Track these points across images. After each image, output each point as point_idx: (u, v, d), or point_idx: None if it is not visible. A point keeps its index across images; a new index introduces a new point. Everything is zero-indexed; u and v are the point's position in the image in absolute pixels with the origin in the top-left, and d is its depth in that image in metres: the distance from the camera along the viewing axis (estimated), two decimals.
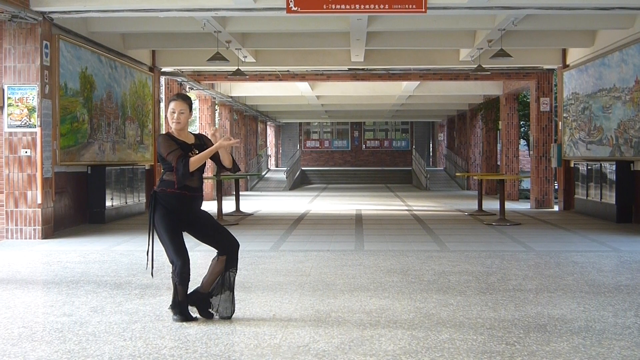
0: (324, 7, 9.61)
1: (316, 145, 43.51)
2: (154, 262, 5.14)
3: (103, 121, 12.70)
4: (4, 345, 4.38)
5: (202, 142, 5.09)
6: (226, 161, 5.10)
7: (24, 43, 10.08)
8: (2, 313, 5.31)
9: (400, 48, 15.16)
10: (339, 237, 10.46)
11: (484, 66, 14.50)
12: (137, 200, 13.99)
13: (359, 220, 13.21)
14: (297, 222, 12.92)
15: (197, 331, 4.70)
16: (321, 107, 27.48)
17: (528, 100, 23.34)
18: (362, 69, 17.15)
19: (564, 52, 15.79)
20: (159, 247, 5.04)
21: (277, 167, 40.85)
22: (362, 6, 9.64)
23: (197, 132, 5.26)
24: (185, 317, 4.96)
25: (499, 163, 23.41)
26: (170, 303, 5.03)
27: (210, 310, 5.05)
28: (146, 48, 14.77)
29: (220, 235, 5.04)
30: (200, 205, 5.11)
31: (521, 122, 23.88)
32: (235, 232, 9.83)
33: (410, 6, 9.58)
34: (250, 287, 6.33)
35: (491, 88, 21.11)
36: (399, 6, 9.61)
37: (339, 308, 5.42)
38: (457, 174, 26.14)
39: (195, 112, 22.53)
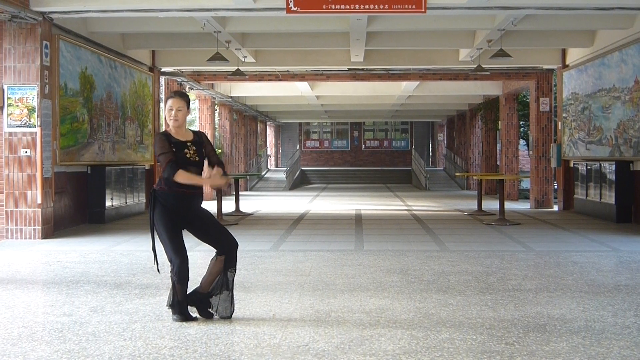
0: (324, 7, 9.62)
1: (316, 145, 43.51)
2: (157, 259, 5.12)
3: (103, 121, 12.71)
4: (4, 345, 4.38)
5: (200, 139, 5.08)
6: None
7: (24, 43, 10.08)
8: (2, 313, 5.31)
9: (399, 48, 15.17)
10: (339, 237, 10.47)
11: (483, 66, 14.50)
12: (137, 200, 14.00)
13: (358, 220, 13.21)
14: (296, 222, 12.92)
15: (197, 331, 4.70)
16: (321, 107, 27.48)
17: (528, 100, 23.35)
18: (362, 69, 17.16)
19: (564, 52, 15.80)
20: (161, 246, 5.04)
21: (276, 167, 40.86)
22: (362, 6, 9.64)
23: (197, 130, 5.24)
24: (185, 317, 4.96)
25: (498, 163, 23.42)
26: (168, 301, 5.02)
27: (210, 310, 5.05)
28: (146, 48, 14.77)
29: (220, 235, 5.03)
30: (200, 203, 5.10)
31: (521, 122, 23.89)
32: (235, 232, 9.84)
33: (410, 6, 9.58)
34: (250, 287, 6.34)
35: (491, 88, 21.11)
36: (399, 6, 9.62)
37: (338, 308, 5.43)
38: (457, 174, 26.16)
39: (195, 112, 22.56)
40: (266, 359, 4.08)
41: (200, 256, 7.63)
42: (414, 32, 13.72)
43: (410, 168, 36.56)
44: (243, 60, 15.07)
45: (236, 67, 14.80)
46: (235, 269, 5.07)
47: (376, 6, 9.64)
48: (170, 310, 5.04)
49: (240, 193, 16.84)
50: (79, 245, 9.52)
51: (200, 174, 4.97)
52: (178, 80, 16.86)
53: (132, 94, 14.27)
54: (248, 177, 27.40)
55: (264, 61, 16.09)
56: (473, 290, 6.17)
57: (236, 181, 15.84)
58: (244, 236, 10.40)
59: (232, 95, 22.46)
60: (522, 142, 28.01)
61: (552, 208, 16.88)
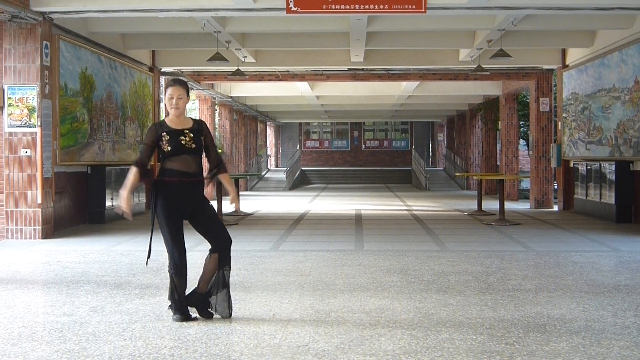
0: (324, 7, 9.62)
1: (316, 145, 43.51)
2: (150, 251, 5.12)
3: (103, 121, 12.71)
4: (4, 345, 4.38)
5: (200, 127, 5.07)
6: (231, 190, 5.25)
7: (24, 43, 10.08)
8: (2, 313, 5.31)
9: (399, 48, 15.17)
10: (339, 237, 10.47)
11: (483, 66, 14.50)
12: (137, 200, 13.99)
13: (358, 220, 13.21)
14: (296, 222, 12.93)
15: (197, 331, 4.71)
16: (321, 107, 27.48)
17: (527, 100, 23.34)
18: (362, 69, 17.16)
19: (564, 52, 15.80)
20: (158, 241, 5.05)
21: (276, 167, 40.86)
22: (362, 6, 9.65)
23: (197, 118, 5.24)
24: (185, 316, 4.96)
25: (498, 163, 23.42)
26: (168, 295, 5.03)
27: (210, 310, 5.06)
28: (146, 48, 14.77)
29: (215, 230, 5.03)
30: (202, 191, 5.08)
31: (521, 122, 23.89)
32: (235, 232, 9.84)
33: (410, 6, 9.58)
34: (250, 287, 6.34)
35: (491, 88, 21.12)
36: (399, 6, 9.62)
37: (338, 308, 5.43)
38: (457, 174, 26.17)
39: (195, 112, 22.55)
40: (266, 359, 4.08)
41: (201, 256, 7.61)
42: (414, 32, 13.72)
43: (410, 168, 36.56)
44: (243, 60, 15.07)
45: (236, 67, 14.80)
46: (230, 267, 5.06)
47: (376, 6, 9.64)
48: (170, 310, 5.04)
49: (240, 193, 16.84)
50: (79, 245, 9.52)
51: (197, 162, 4.99)
52: (183, 78, 16.83)
53: (132, 94, 14.27)
54: (248, 177, 27.41)
55: (264, 61, 16.09)
56: (473, 290, 6.17)
57: (236, 181, 15.84)
58: (244, 236, 10.40)
59: (232, 95, 22.46)
60: (522, 142, 28.01)
61: (552, 208, 16.88)
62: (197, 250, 8.31)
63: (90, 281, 6.65)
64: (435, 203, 19.03)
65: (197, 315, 5.06)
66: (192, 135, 4.98)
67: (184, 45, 14.24)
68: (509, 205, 16.39)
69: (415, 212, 15.37)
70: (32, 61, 10.08)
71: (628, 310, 5.36)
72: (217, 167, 5.16)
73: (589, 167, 13.87)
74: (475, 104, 25.77)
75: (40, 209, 10.14)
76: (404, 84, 20.40)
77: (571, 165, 15.44)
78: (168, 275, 5.02)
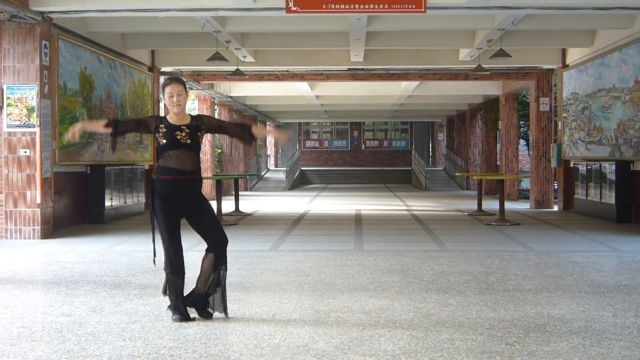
0: (324, 7, 9.61)
1: (315, 145, 43.52)
2: (155, 251, 5.13)
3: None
4: (4, 345, 4.37)
5: (197, 123, 5.06)
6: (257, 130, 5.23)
7: (23, 43, 10.07)
8: (1, 313, 5.30)
9: (399, 48, 15.16)
10: (339, 237, 10.46)
11: (483, 66, 14.49)
12: (137, 200, 13.99)
13: (358, 220, 13.20)
14: (296, 222, 12.92)
15: (197, 331, 4.70)
16: (320, 107, 27.48)
17: (528, 100, 23.34)
18: (362, 69, 17.15)
19: (564, 52, 15.80)
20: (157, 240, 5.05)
21: (276, 167, 40.87)
22: (362, 6, 9.64)
23: (195, 114, 5.24)
24: (184, 316, 4.96)
25: (498, 163, 23.42)
26: (162, 289, 5.03)
27: (209, 309, 5.05)
28: (145, 48, 14.77)
29: (212, 229, 5.02)
30: (199, 189, 5.06)
31: (521, 122, 23.88)
32: (234, 232, 9.83)
33: (410, 6, 9.57)
34: (250, 287, 6.33)
35: (491, 88, 21.11)
36: (399, 6, 9.61)
37: (338, 308, 5.42)
38: (457, 174, 26.17)
39: (195, 112, 22.54)
40: (266, 359, 4.07)
41: (200, 256, 7.59)
42: (414, 32, 13.71)
43: (410, 168, 36.57)
44: (243, 60, 15.06)
45: (236, 67, 14.79)
46: (226, 267, 5.04)
47: (376, 6, 9.63)
48: (169, 310, 5.03)
49: (239, 193, 16.83)
50: (79, 245, 9.51)
51: (192, 157, 4.96)
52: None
53: (131, 94, 14.26)
54: (248, 177, 27.40)
55: (264, 61, 16.08)
56: (473, 290, 6.16)
57: (236, 181, 15.84)
58: (244, 236, 10.39)
59: (231, 95, 22.46)
60: (522, 142, 28.00)
61: (552, 208, 16.87)
62: (197, 250, 8.29)
63: (90, 281, 6.64)
64: (435, 203, 19.02)
65: (196, 316, 5.05)
66: (188, 131, 4.97)
67: (183, 45, 14.23)
68: (509, 205, 16.38)
69: (415, 212, 15.37)
70: (31, 61, 10.07)
71: (628, 310, 5.35)
72: (244, 131, 5.18)
73: (589, 167, 13.86)
74: (475, 103, 25.76)
75: (39, 209, 10.13)
76: (403, 83, 20.39)
77: (571, 165, 15.44)
78: (164, 275, 5.02)
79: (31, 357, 4.13)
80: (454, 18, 12.07)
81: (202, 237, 5.07)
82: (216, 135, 23.05)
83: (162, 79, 16.45)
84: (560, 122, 16.27)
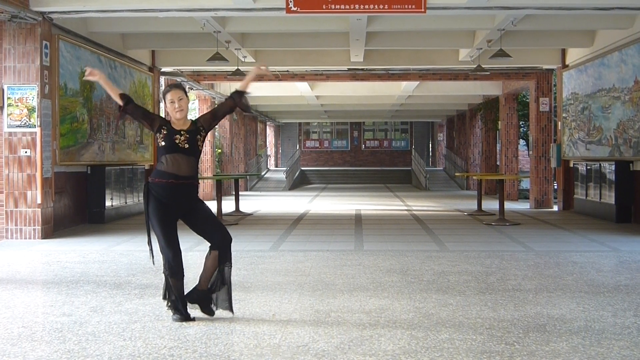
0: (324, 7, 9.62)
1: (316, 145, 43.51)
2: (153, 251, 5.14)
3: (103, 121, 12.71)
4: (4, 345, 4.38)
5: (197, 125, 5.05)
6: (243, 84, 5.26)
7: (23, 43, 10.08)
8: (1, 313, 5.31)
9: (399, 48, 15.17)
10: (339, 237, 10.46)
11: (483, 66, 14.50)
12: (137, 200, 13.98)
13: (358, 220, 13.21)
14: (296, 222, 12.92)
15: (197, 331, 4.70)
16: (321, 107, 27.48)
17: (527, 100, 23.35)
18: (362, 69, 17.16)
19: (564, 52, 15.80)
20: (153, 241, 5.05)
21: (276, 167, 40.86)
22: (362, 6, 9.64)
23: (195, 119, 5.25)
24: (184, 316, 4.96)
25: (498, 163, 23.42)
26: (162, 294, 5.03)
27: (212, 306, 5.04)
28: (146, 48, 14.77)
29: (213, 229, 5.01)
30: (194, 194, 5.04)
31: (520, 122, 23.90)
32: (234, 232, 9.83)
33: (410, 6, 9.58)
34: (250, 287, 6.34)
35: (490, 88, 21.11)
36: (399, 6, 9.62)
37: (338, 308, 5.42)
38: (457, 174, 26.16)
39: (195, 112, 22.55)
40: (266, 359, 4.08)
41: (200, 256, 7.61)
42: (414, 32, 13.71)
43: (410, 168, 36.58)
44: (243, 60, 15.07)
45: (236, 67, 14.80)
46: (231, 264, 5.04)
47: (376, 6, 9.64)
48: (169, 310, 5.04)
49: (240, 193, 16.84)
50: (79, 245, 9.52)
51: (189, 162, 4.94)
52: (178, 80, 16.85)
53: (131, 94, 14.25)
54: (248, 177, 27.40)
55: (264, 61, 16.06)
56: (473, 290, 6.17)
57: (236, 181, 15.85)
58: (244, 236, 10.40)
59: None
60: (522, 142, 28.01)
61: (552, 208, 16.88)
62: (197, 250, 8.31)
63: (90, 281, 6.65)
64: (435, 203, 19.03)
65: (200, 312, 5.03)
66: (187, 135, 4.97)
67: (183, 45, 14.24)
68: (508, 205, 16.39)
69: (415, 212, 15.37)
70: (31, 61, 10.08)
71: (628, 310, 5.36)
72: (233, 97, 5.19)
73: (588, 167, 13.87)
74: (475, 104, 25.77)
75: (39, 209, 10.14)
76: (403, 84, 20.39)
77: (571, 165, 15.44)
78: (163, 276, 5.03)
79: (31, 357, 4.13)
80: (454, 18, 12.08)
81: (204, 237, 5.07)
82: (216, 135, 23.11)
83: (162, 79, 16.48)
84: (560, 122, 16.28)
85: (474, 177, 23.02)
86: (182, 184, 4.92)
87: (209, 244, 5.05)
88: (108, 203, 12.35)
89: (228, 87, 21.80)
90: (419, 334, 4.63)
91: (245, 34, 13.75)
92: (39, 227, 10.14)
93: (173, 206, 4.94)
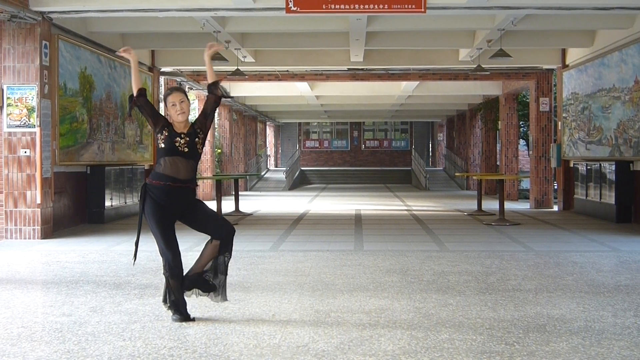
0: (323, 7, 9.61)
1: (315, 145, 43.50)
2: (137, 252, 5.17)
3: (102, 121, 12.70)
4: (4, 345, 4.37)
5: (194, 127, 5.05)
6: (209, 75, 5.18)
7: (23, 43, 10.07)
8: (1, 313, 5.30)
9: (399, 48, 15.16)
10: (339, 237, 10.46)
11: (483, 66, 14.49)
12: (137, 200, 13.98)
13: (358, 221, 13.20)
14: (296, 222, 12.92)
15: (197, 331, 4.70)
16: (320, 107, 27.48)
17: (527, 100, 23.34)
18: (362, 69, 17.15)
19: (564, 52, 15.80)
20: (150, 242, 5.05)
21: (276, 167, 40.86)
22: (362, 6, 9.64)
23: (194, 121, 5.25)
24: (184, 316, 4.96)
25: (498, 163, 23.42)
26: (163, 297, 5.03)
27: (210, 282, 4.99)
28: (145, 48, 14.76)
29: (215, 223, 5.01)
30: (192, 197, 5.03)
31: (521, 122, 23.89)
32: None
33: (410, 6, 9.57)
34: (250, 287, 6.33)
35: (490, 88, 21.11)
36: (398, 6, 9.61)
37: (338, 308, 5.42)
38: (457, 174, 26.17)
39: (195, 113, 22.54)
40: (266, 359, 4.07)
41: None
42: (414, 32, 13.71)
43: (410, 168, 36.57)
44: (243, 60, 15.06)
45: (236, 67, 14.80)
46: (230, 255, 5.04)
47: (376, 6, 9.63)
48: (169, 311, 5.03)
49: (239, 193, 16.83)
50: (79, 245, 9.51)
51: (188, 166, 4.94)
52: (177, 80, 16.85)
53: (131, 94, 14.24)
54: (248, 177, 27.40)
55: (264, 61, 16.08)
56: (473, 290, 6.16)
57: (236, 181, 15.84)
58: (244, 236, 10.39)
59: (231, 95, 22.45)
60: (522, 142, 28.01)
61: (552, 208, 16.87)
62: (197, 250, 8.27)
63: (90, 281, 6.65)
64: (435, 203, 19.03)
65: (202, 292, 5.02)
66: (187, 138, 4.96)
67: (183, 45, 14.23)
68: (508, 205, 16.39)
69: (415, 212, 15.37)
70: (31, 61, 10.07)
71: (628, 310, 5.35)
72: (210, 89, 5.17)
73: (589, 167, 13.86)
74: (475, 104, 25.76)
75: (39, 209, 10.13)
76: (403, 84, 20.39)
77: (571, 165, 15.44)
78: (163, 278, 5.02)
79: (31, 357, 4.13)
80: (454, 18, 12.07)
81: (206, 233, 5.04)
82: (216, 135, 23.13)
83: (162, 79, 16.47)
84: (560, 122, 16.27)
85: (474, 177, 23.02)
86: (179, 187, 4.92)
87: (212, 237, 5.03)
88: (108, 203, 12.35)
89: (228, 87, 21.81)
90: (419, 334, 4.63)
91: (245, 33, 13.74)
92: (39, 227, 10.13)
93: (170, 208, 4.93)
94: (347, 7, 9.62)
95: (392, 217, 14.38)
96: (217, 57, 12.98)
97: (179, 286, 4.94)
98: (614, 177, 12.43)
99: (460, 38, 14.11)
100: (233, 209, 15.15)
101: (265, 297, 5.84)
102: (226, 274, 5.03)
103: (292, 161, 33.27)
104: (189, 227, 5.10)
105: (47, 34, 10.37)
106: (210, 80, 5.21)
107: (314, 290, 6.17)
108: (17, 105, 10.10)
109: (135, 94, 5.07)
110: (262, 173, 33.15)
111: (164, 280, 5.02)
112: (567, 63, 15.73)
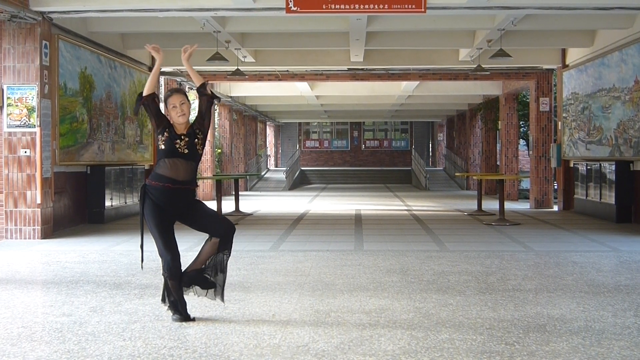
0: (324, 7, 9.61)
1: (315, 145, 43.51)
2: (143, 255, 5.14)
3: (102, 121, 12.70)
4: (4, 345, 4.37)
5: (193, 128, 5.05)
6: (194, 79, 5.24)
7: (23, 43, 10.07)
8: (1, 313, 5.31)
9: (399, 48, 15.17)
10: (339, 237, 10.46)
11: (483, 66, 14.49)
12: (137, 200, 13.98)
13: (358, 220, 13.20)
14: (296, 222, 12.92)
15: (197, 331, 4.70)
16: (320, 107, 27.48)
17: (527, 100, 23.34)
18: (362, 69, 17.15)
19: (564, 52, 15.80)
20: (150, 242, 5.04)
21: (276, 167, 40.87)
22: (362, 6, 9.64)
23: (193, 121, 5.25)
24: (184, 317, 4.96)
25: (498, 163, 23.42)
26: (162, 297, 5.03)
27: (209, 279, 4.98)
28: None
29: (215, 221, 5.01)
30: (191, 198, 5.03)
31: (521, 122, 23.89)
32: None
33: (410, 6, 9.57)
34: (250, 287, 6.33)
35: (491, 88, 21.11)
36: (399, 6, 9.61)
37: (338, 308, 5.42)
38: (457, 174, 26.17)
39: (194, 113, 22.52)
40: (266, 359, 4.07)
41: None
42: (414, 32, 13.71)
43: (410, 168, 36.57)
44: (243, 60, 15.06)
45: (236, 67, 14.79)
46: (230, 252, 5.03)
47: (376, 6, 9.63)
48: (169, 311, 5.03)
49: (239, 193, 16.83)
50: (79, 245, 9.51)
51: (188, 167, 4.94)
52: (178, 80, 16.86)
53: (131, 94, 14.25)
54: (248, 177, 27.40)
55: (264, 61, 16.08)
56: (473, 290, 6.16)
57: (236, 181, 15.84)
58: (244, 236, 10.39)
59: (231, 95, 22.46)
60: (522, 142, 28.01)
61: (552, 208, 16.87)
62: (197, 250, 8.27)
63: (90, 281, 6.65)
64: (435, 203, 19.02)
65: (202, 289, 5.00)
66: (187, 139, 4.96)
67: (183, 45, 14.17)
68: (508, 205, 16.39)
69: (415, 212, 15.37)
70: (31, 61, 10.07)
71: (628, 310, 5.35)
72: (200, 92, 5.23)
73: (589, 167, 13.86)
74: (475, 104, 25.76)
75: (39, 209, 10.13)
76: (403, 83, 20.39)
77: (571, 165, 15.44)
78: (162, 278, 5.02)
79: (31, 357, 4.13)
80: (454, 18, 12.07)
81: (206, 232, 5.03)
82: (216, 135, 23.12)
83: (162, 79, 16.47)
84: (560, 122, 16.27)
85: (474, 177, 23.02)
86: (178, 189, 4.92)
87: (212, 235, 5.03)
88: (108, 203, 12.35)
89: (228, 87, 21.82)
90: (419, 334, 4.63)
91: (245, 33, 13.74)
92: (39, 227, 10.13)
93: (169, 209, 4.93)
94: (347, 7, 9.62)
95: (392, 217, 14.38)
96: (217, 57, 12.98)
97: (178, 287, 4.94)
98: (614, 177, 12.43)
99: (460, 38, 14.12)
100: (233, 209, 15.15)
101: (265, 297, 5.84)
102: (225, 273, 5.02)
103: (292, 161, 33.27)
104: (189, 227, 5.10)
105: (47, 34, 10.37)
106: (197, 83, 5.25)
107: (314, 290, 6.18)
108: (17, 105, 10.10)
109: (145, 93, 5.04)
110: (262, 173, 33.15)
111: (163, 281, 5.01)
112: (567, 63, 15.73)
